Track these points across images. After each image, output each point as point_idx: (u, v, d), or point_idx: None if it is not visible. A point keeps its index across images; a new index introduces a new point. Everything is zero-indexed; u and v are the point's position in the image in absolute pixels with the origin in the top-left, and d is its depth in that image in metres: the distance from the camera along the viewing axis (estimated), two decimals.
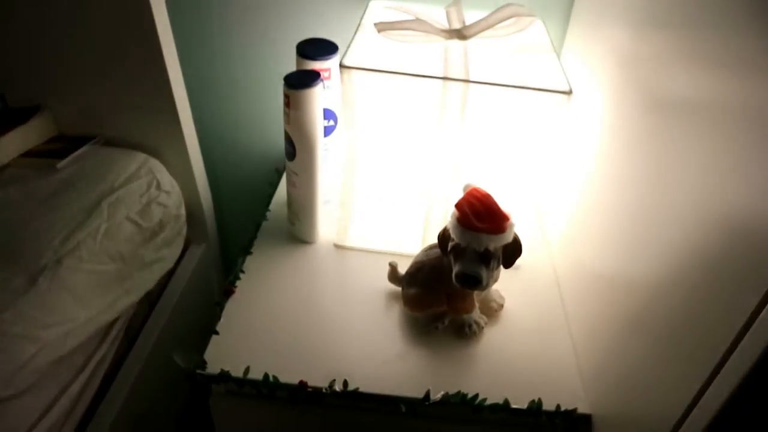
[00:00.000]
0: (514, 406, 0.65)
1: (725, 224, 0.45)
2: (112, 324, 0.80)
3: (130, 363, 0.84)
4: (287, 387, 0.66)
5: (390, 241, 0.85)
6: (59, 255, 0.72)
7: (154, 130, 0.95)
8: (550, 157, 0.75)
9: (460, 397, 0.66)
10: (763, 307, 0.40)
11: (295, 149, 0.78)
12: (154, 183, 0.90)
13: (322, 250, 0.87)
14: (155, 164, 0.93)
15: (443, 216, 0.80)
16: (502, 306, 0.77)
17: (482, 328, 0.74)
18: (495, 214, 0.63)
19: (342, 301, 0.79)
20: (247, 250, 0.85)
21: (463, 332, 0.73)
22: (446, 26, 0.80)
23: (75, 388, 0.71)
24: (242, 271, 0.81)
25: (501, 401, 0.65)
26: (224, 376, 0.66)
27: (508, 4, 0.78)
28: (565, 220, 0.85)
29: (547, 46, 0.82)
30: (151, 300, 0.94)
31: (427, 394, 0.66)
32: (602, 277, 0.69)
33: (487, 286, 0.66)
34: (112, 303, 0.77)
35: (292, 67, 0.79)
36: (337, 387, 0.66)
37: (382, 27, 0.75)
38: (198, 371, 0.66)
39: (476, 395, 0.66)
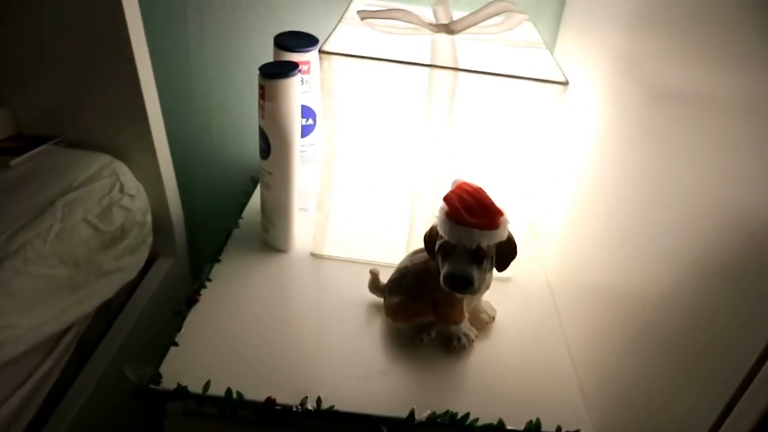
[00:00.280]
0: (509, 428, 0.58)
1: (740, 223, 0.40)
2: (60, 336, 0.71)
3: (81, 382, 0.76)
4: (252, 405, 0.58)
5: (372, 250, 0.79)
6: (0, 255, 0.65)
7: (122, 132, 0.88)
8: (542, 158, 0.70)
9: (449, 416, 0.58)
10: None
11: (270, 146, 0.72)
12: (118, 185, 0.83)
13: (297, 259, 0.80)
14: (120, 166, 0.86)
15: (430, 221, 0.74)
16: (493, 318, 0.71)
17: (472, 341, 0.67)
18: (488, 208, 0.57)
19: (317, 312, 0.72)
20: (215, 258, 0.78)
21: (452, 345, 0.66)
22: (434, 22, 0.76)
23: (11, 404, 0.62)
24: (209, 280, 0.74)
25: (495, 421, 0.58)
26: (180, 392, 0.58)
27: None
28: (558, 226, 0.79)
29: (539, 43, 0.78)
30: (109, 314, 0.86)
31: (412, 414, 0.58)
32: (601, 286, 0.63)
33: (479, 290, 0.59)
34: (60, 312, 0.69)
35: None
36: (310, 405, 0.58)
37: (365, 15, 0.70)
38: (151, 386, 0.58)
39: (467, 414, 0.58)
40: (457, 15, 0.77)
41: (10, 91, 0.88)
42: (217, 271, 0.76)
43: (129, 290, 0.90)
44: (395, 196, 0.75)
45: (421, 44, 0.70)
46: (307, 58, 0.74)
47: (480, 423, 0.58)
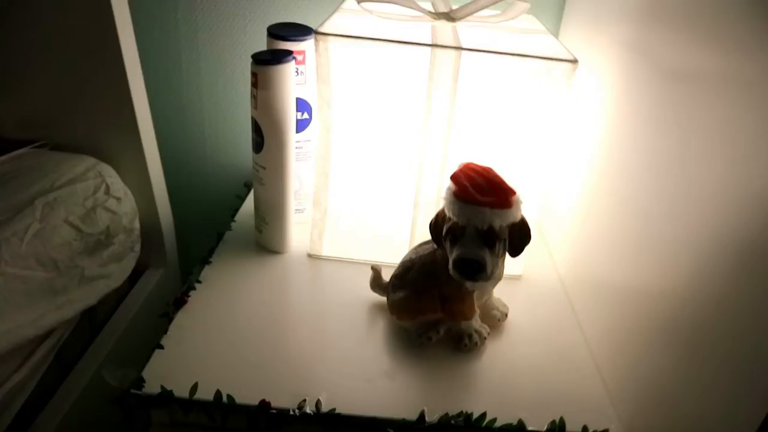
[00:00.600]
0: (530, 428, 0.52)
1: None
2: (39, 343, 0.66)
3: (61, 394, 0.70)
4: (245, 409, 0.53)
5: (373, 250, 0.74)
6: None
7: (110, 136, 0.84)
8: (550, 145, 0.66)
9: (464, 417, 0.53)
10: None
11: (263, 137, 0.68)
12: (103, 187, 0.79)
13: (294, 261, 0.75)
14: (106, 168, 0.82)
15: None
16: (506, 315, 0.66)
17: (484, 338, 0.62)
18: (498, 186, 0.53)
19: (315, 313, 0.67)
20: (205, 260, 0.73)
21: (462, 343, 0.61)
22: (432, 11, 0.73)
23: None
24: (198, 281, 0.69)
25: (514, 422, 0.52)
26: (165, 397, 0.53)
27: None
28: (567, 218, 0.75)
29: (542, 30, 0.75)
30: (93, 324, 0.80)
31: (422, 416, 0.53)
32: (618, 279, 0.58)
33: (491, 276, 0.54)
34: (37, 317, 0.64)
35: None
36: (309, 408, 0.53)
37: None
38: (132, 391, 0.53)
39: (483, 414, 0.53)
40: (456, 7, 0.75)
41: None
42: (208, 274, 0.71)
43: (116, 301, 0.85)
44: (397, 189, 0.70)
45: (421, 30, 0.67)
46: (302, 47, 0.71)
47: (498, 424, 0.52)
